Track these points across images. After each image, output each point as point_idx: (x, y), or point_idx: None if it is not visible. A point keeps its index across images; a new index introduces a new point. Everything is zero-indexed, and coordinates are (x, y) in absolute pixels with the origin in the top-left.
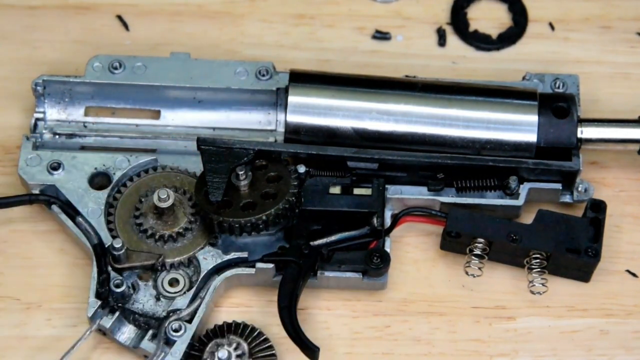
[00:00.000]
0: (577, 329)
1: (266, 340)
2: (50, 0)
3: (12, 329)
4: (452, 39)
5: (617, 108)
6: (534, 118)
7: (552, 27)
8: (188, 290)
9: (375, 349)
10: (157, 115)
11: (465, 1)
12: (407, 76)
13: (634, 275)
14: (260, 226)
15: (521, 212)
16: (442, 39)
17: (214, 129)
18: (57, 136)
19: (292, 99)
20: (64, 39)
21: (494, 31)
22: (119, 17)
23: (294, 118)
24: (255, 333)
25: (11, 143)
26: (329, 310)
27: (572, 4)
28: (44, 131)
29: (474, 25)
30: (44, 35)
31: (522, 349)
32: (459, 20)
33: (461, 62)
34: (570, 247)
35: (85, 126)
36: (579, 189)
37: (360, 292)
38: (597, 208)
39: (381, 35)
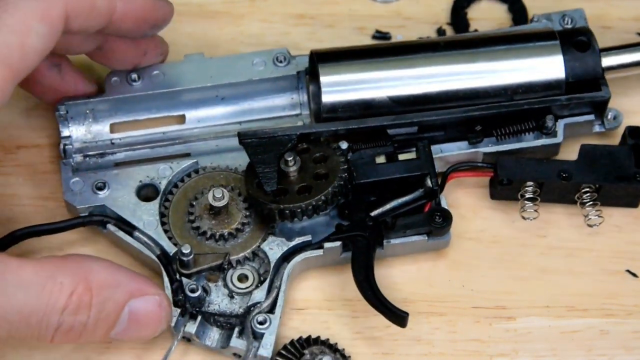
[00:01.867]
0: (577, 329)
1: None
2: None
3: None
4: None
5: None
6: (558, 56)
7: None
8: (260, 283)
9: (375, 349)
10: (182, 119)
11: (465, 1)
12: (420, 38)
13: (634, 275)
14: (321, 206)
15: (560, 149)
16: None
17: (240, 123)
18: (87, 158)
19: (324, 79)
20: None
21: None
22: None
23: (329, 97)
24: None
25: (11, 143)
26: (329, 310)
27: (572, 4)
28: (74, 155)
29: (474, 25)
30: None
31: (522, 349)
32: (459, 20)
33: None
34: (618, 175)
35: (113, 143)
36: (609, 116)
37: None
38: (636, 134)
39: (381, 35)
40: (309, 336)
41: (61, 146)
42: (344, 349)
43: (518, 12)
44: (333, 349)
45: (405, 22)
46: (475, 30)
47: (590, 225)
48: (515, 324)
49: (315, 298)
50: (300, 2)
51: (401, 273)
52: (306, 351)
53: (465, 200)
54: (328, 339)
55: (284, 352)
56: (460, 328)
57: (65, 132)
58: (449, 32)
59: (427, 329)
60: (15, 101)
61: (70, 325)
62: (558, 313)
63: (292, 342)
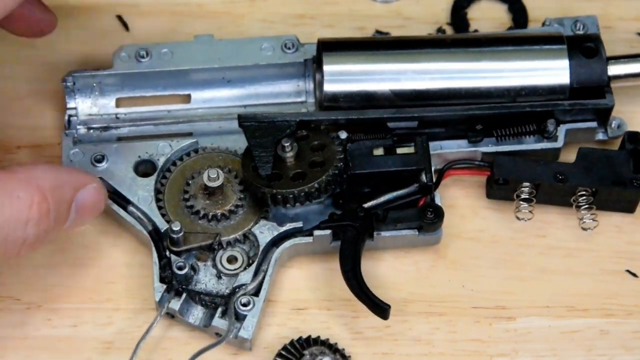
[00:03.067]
0: (577, 329)
1: None
2: (50, 0)
3: (12, 329)
4: None
5: None
6: (564, 60)
7: None
8: (248, 265)
9: (375, 349)
10: (187, 99)
11: (465, 1)
12: (430, 34)
13: (634, 275)
14: (314, 194)
15: (560, 154)
16: None
17: (245, 106)
18: (91, 130)
19: (327, 67)
20: (63, 40)
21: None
22: (119, 17)
23: (331, 87)
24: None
25: (11, 143)
26: (329, 310)
27: (571, 5)
28: (78, 127)
29: (474, 25)
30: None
31: (522, 349)
32: (459, 20)
33: None
34: (615, 180)
35: (117, 117)
36: (612, 125)
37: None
38: (635, 139)
39: (381, 35)
40: (309, 336)
41: (66, 117)
42: (344, 349)
43: (518, 13)
44: (333, 349)
45: (405, 22)
46: (475, 31)
47: (584, 229)
48: (515, 324)
49: (315, 298)
50: (300, 2)
51: (400, 273)
52: (306, 351)
53: (464, 200)
54: (328, 339)
55: (284, 352)
56: (460, 328)
57: (71, 104)
58: (449, 32)
59: (427, 329)
60: (15, 102)
61: (35, 236)
62: (558, 313)
63: (292, 342)
